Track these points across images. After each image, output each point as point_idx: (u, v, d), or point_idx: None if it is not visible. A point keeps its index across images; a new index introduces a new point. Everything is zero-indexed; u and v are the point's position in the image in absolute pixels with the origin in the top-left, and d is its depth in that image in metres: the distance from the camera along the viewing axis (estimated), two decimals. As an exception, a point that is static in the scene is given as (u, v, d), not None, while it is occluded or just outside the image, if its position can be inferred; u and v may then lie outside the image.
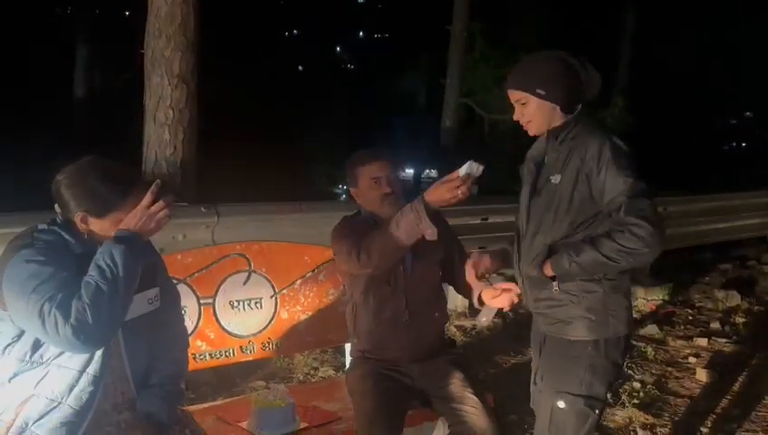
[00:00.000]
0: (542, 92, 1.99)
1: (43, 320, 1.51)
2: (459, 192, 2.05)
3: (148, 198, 1.66)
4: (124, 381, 1.77)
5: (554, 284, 1.99)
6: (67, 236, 1.67)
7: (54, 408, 1.62)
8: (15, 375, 1.64)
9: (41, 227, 1.69)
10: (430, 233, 2.10)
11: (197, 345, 2.47)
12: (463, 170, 2.04)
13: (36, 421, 1.61)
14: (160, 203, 1.67)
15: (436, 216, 2.14)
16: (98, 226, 1.69)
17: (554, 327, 2.05)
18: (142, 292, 1.76)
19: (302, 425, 2.27)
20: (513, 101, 2.05)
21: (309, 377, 3.76)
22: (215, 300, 2.53)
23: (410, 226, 2.12)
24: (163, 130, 4.07)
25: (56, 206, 1.73)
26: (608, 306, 1.98)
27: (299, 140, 14.04)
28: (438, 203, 2.10)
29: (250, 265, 2.61)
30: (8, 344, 1.64)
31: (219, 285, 2.55)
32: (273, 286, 2.66)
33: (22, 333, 1.63)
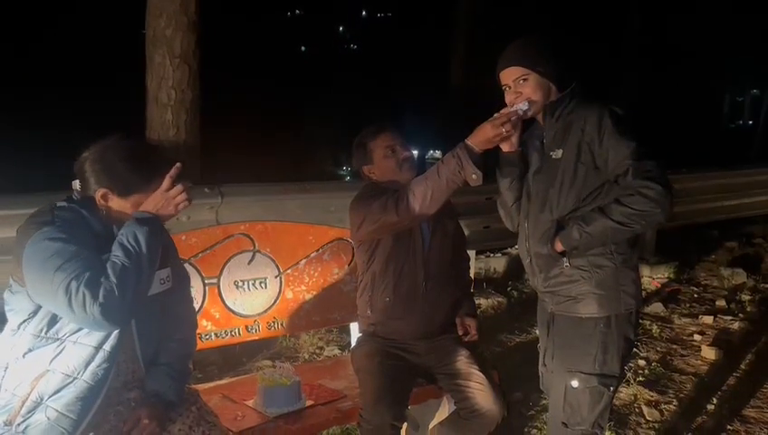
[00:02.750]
0: (542, 69, 1.99)
1: (70, 298, 1.52)
2: (504, 129, 1.97)
3: (167, 182, 1.68)
4: (134, 359, 1.80)
5: (565, 260, 1.98)
6: (86, 214, 1.68)
7: (70, 383, 1.64)
8: (30, 351, 1.65)
9: (60, 204, 1.69)
10: (475, 178, 2.01)
11: (203, 325, 2.48)
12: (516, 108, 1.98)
13: (51, 396, 1.63)
14: (179, 187, 1.69)
15: (449, 207, 2.10)
16: (118, 204, 1.71)
17: (564, 305, 2.04)
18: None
19: (308, 403, 2.29)
20: (510, 81, 2.02)
21: (314, 356, 3.78)
22: (219, 280, 2.54)
23: (452, 172, 2.04)
24: (165, 111, 4.03)
25: (75, 182, 1.74)
26: (618, 281, 1.97)
27: (302, 121, 14.00)
28: (483, 144, 2.01)
29: (254, 245, 2.61)
30: (24, 321, 1.66)
31: (224, 265, 2.55)
32: (277, 266, 2.66)
33: (38, 310, 1.64)
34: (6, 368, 1.66)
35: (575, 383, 2.00)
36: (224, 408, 2.25)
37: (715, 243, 6.92)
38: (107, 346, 1.66)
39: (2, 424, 1.61)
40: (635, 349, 3.97)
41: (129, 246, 1.60)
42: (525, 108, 1.98)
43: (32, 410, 1.61)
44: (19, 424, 1.60)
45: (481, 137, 2.00)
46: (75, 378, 1.64)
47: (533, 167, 2.08)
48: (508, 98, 2.03)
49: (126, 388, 1.78)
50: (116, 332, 1.67)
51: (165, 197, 1.68)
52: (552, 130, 2.01)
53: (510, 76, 2.02)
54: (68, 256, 1.55)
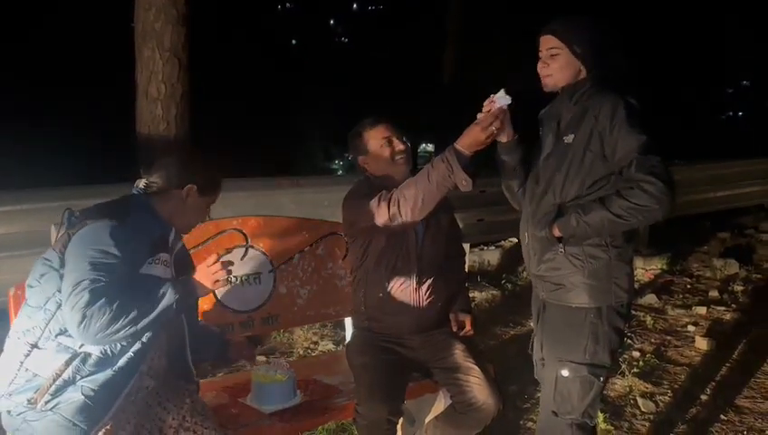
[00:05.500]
0: (578, 51, 1.96)
1: (71, 292, 1.56)
2: (493, 128, 1.95)
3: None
4: (161, 347, 1.86)
5: (560, 245, 1.98)
6: (153, 218, 1.79)
7: (106, 366, 1.67)
8: (61, 333, 1.65)
9: (137, 210, 1.75)
10: (465, 184, 1.99)
11: (196, 321, 2.46)
12: (497, 103, 1.96)
13: (86, 377, 1.65)
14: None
15: (444, 201, 2.09)
16: (194, 202, 1.86)
17: (555, 294, 2.03)
18: None
19: (303, 399, 2.27)
20: (544, 49, 2.00)
21: (309, 351, 3.77)
22: (212, 276, 2.51)
23: (442, 177, 2.02)
24: (155, 105, 3.98)
25: (140, 181, 1.83)
26: (611, 274, 1.97)
27: (294, 115, 13.92)
28: (473, 147, 1.99)
29: (247, 240, 2.58)
30: (49, 299, 1.67)
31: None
32: (270, 261, 2.63)
33: None
34: (34, 345, 1.66)
35: (565, 373, 2.01)
36: (218, 405, 2.23)
37: (707, 234, 6.95)
38: (144, 338, 1.70)
39: (25, 402, 1.62)
40: (629, 340, 3.99)
41: (155, 299, 1.63)
42: (508, 102, 1.96)
43: (61, 389, 1.63)
44: (47, 402, 1.61)
45: (471, 140, 1.98)
46: (112, 361, 1.67)
47: (546, 151, 2.06)
48: (538, 66, 2.02)
49: (148, 374, 1.84)
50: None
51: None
52: (569, 114, 2.00)
53: (545, 44, 2.00)
54: (106, 260, 1.61)
